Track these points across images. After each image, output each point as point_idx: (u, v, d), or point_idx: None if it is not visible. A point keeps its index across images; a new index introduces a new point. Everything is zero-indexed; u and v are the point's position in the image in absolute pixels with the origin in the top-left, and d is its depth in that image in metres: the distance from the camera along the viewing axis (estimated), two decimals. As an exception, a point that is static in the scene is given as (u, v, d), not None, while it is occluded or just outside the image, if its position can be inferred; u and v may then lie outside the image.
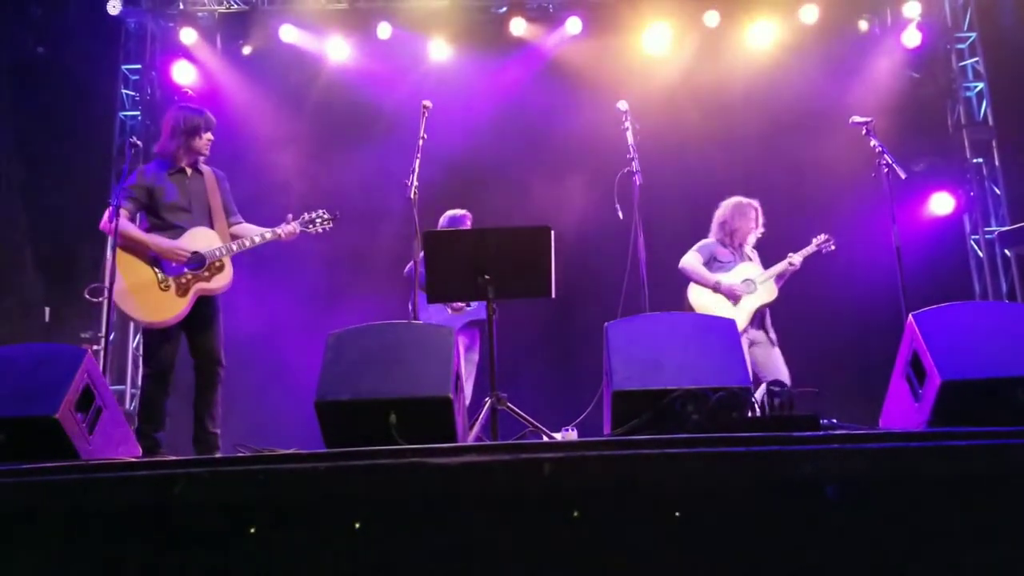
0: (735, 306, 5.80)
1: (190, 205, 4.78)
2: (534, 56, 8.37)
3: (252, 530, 2.30)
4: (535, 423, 4.29)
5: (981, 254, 7.91)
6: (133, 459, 3.39)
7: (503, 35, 8.29)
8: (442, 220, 6.24)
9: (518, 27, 8.25)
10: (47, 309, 7.56)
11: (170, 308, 4.57)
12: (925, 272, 6.53)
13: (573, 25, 8.24)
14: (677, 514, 2.26)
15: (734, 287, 5.80)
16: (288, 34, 8.28)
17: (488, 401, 4.28)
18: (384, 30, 8.21)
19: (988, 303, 6.54)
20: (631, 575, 2.24)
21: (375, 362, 3.31)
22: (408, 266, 6.12)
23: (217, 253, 4.68)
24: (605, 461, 2.27)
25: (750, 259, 5.97)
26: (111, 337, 5.71)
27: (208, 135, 4.88)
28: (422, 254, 5.72)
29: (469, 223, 6.23)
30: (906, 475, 2.25)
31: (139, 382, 7.89)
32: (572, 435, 4.60)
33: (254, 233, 4.84)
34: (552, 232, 4.22)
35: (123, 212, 4.66)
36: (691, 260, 5.92)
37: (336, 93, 8.29)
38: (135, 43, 8.51)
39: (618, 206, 5.09)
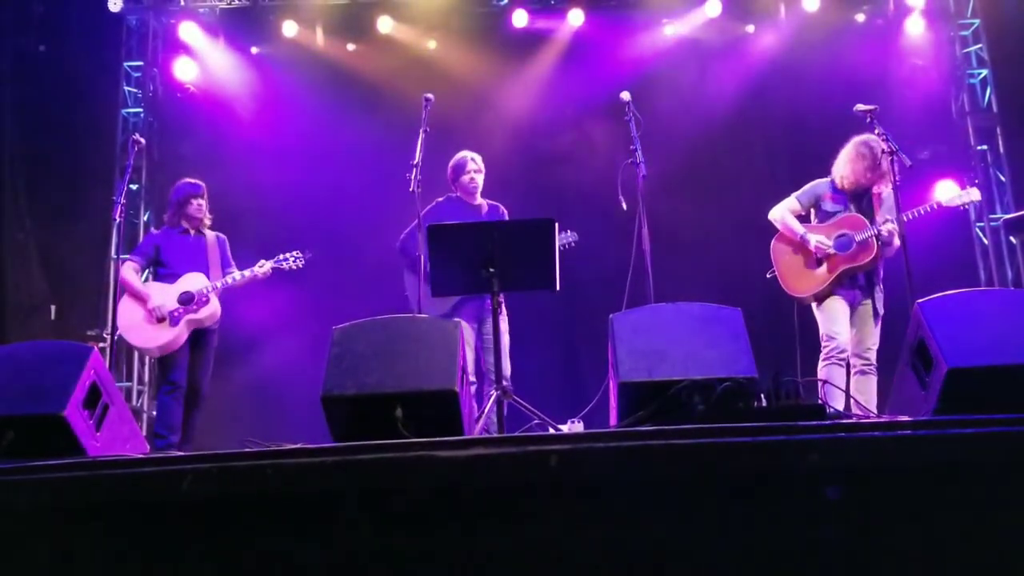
0: (818, 266, 5.13)
1: (188, 259, 5.64)
2: (536, 48, 8.35)
3: (260, 525, 2.31)
4: (541, 415, 4.30)
5: (986, 241, 7.87)
6: (141, 456, 3.40)
7: (505, 27, 8.27)
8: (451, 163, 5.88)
9: (520, 19, 8.23)
10: (53, 307, 7.58)
11: (161, 336, 5.43)
12: (931, 260, 6.50)
13: (575, 17, 8.23)
14: (683, 505, 2.26)
15: (821, 244, 5.14)
16: (290, 30, 8.30)
17: (494, 393, 4.29)
18: (385, 24, 8.22)
19: (994, 290, 6.55)
20: (638, 565, 2.24)
21: (380, 356, 3.31)
22: (402, 236, 5.80)
23: (204, 291, 5.51)
24: (612, 453, 2.26)
25: (861, 210, 5.19)
26: (117, 335, 5.79)
27: (198, 201, 5.69)
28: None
29: (471, 166, 5.80)
30: (912, 464, 2.25)
31: (145, 378, 7.97)
32: (578, 427, 4.61)
33: (236, 273, 5.67)
34: (556, 224, 4.21)
35: (134, 265, 5.65)
36: (780, 208, 5.32)
37: (338, 87, 8.28)
38: (136, 40, 8.50)
39: (621, 198, 5.08)
